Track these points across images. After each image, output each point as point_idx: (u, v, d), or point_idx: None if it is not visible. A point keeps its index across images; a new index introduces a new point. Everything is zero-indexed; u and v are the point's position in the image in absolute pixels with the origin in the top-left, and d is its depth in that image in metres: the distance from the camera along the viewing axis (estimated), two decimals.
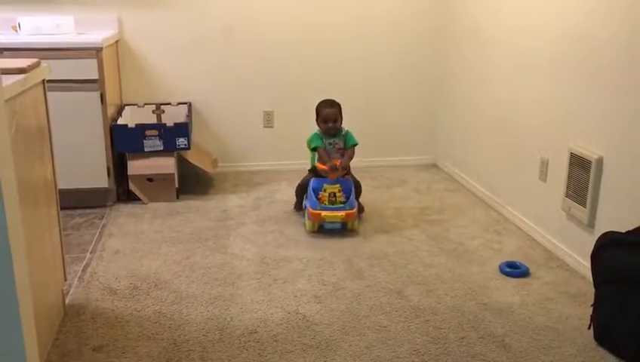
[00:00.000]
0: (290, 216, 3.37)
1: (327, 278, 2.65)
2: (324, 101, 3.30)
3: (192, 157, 3.71)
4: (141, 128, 3.48)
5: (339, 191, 3.08)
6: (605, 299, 2.13)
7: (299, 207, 3.38)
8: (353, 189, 3.13)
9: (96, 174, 3.44)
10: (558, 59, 2.86)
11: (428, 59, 4.22)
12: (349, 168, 3.24)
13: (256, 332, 2.23)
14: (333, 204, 3.05)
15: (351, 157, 3.22)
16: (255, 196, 3.71)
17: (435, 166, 4.36)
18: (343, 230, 3.09)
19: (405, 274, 2.69)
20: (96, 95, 3.34)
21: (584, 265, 2.66)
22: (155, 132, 3.48)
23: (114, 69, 3.76)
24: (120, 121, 3.56)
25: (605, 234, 2.17)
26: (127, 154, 3.52)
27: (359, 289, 2.55)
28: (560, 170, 2.84)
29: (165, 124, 3.50)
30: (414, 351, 2.13)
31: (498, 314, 2.37)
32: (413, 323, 2.30)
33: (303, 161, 4.16)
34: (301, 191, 3.33)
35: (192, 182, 3.87)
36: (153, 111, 3.92)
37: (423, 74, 4.24)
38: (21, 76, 1.85)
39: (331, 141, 3.25)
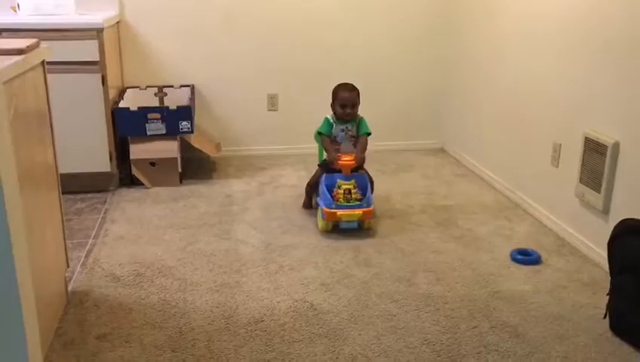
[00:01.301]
0: (295, 201, 3.31)
1: (334, 266, 2.59)
2: (342, 84, 3.08)
3: (195, 141, 3.64)
4: (143, 111, 3.41)
5: (354, 188, 2.87)
6: (621, 288, 2.08)
7: (308, 204, 3.18)
8: (369, 185, 2.94)
9: (97, 158, 3.38)
10: (572, 41, 2.78)
11: (435, 42, 4.12)
12: (364, 161, 2.99)
13: (262, 321, 2.18)
14: (348, 202, 2.83)
15: (364, 148, 3.00)
16: (259, 181, 3.65)
17: (442, 150, 4.29)
18: (359, 229, 2.90)
19: (414, 262, 2.63)
20: (97, 77, 3.26)
21: (597, 253, 2.60)
22: (158, 115, 3.41)
23: (115, 50, 3.67)
24: (122, 104, 3.49)
25: (623, 221, 2.11)
26: (129, 138, 3.45)
27: (367, 277, 2.50)
28: (573, 156, 2.77)
29: (168, 107, 3.43)
30: (425, 340, 2.08)
31: (510, 302, 2.32)
32: (423, 311, 2.25)
33: (307, 146, 4.09)
34: (312, 189, 3.13)
35: (195, 167, 3.81)
36: (155, 94, 3.84)
37: (429, 57, 4.15)
38: (20, 57, 1.78)
39: (344, 127, 3.05)
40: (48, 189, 2.13)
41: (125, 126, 3.41)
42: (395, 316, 2.22)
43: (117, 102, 3.49)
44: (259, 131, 4.12)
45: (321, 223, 2.89)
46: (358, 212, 2.81)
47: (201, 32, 3.89)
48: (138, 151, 3.46)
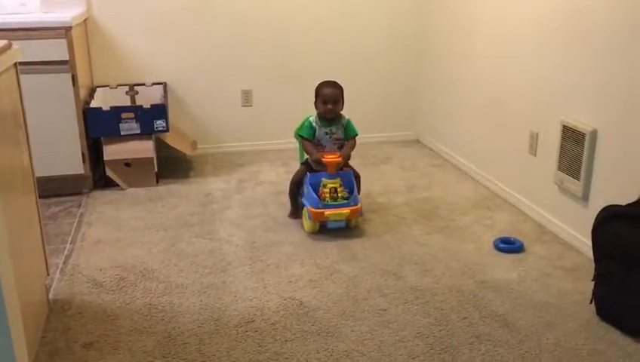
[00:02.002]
0: (276, 198, 3.28)
1: (320, 261, 2.58)
2: (325, 82, 2.98)
3: (170, 139, 3.57)
4: (116, 111, 3.32)
5: (340, 186, 2.78)
6: (607, 274, 2.11)
7: (295, 212, 2.98)
8: (355, 182, 2.87)
9: (70, 160, 3.28)
10: (547, 31, 2.81)
11: (409, 34, 4.13)
12: (349, 158, 2.93)
13: (253, 321, 2.15)
14: (335, 201, 2.76)
15: (353, 148, 2.92)
16: (238, 178, 3.60)
17: (417, 142, 4.30)
18: (347, 228, 2.83)
19: (400, 255, 2.63)
20: (67, 77, 3.17)
21: (578, 238, 2.65)
22: (132, 114, 3.33)
23: (83, 49, 3.57)
24: (93, 104, 3.39)
25: (606, 207, 2.14)
26: (102, 139, 3.37)
27: (355, 272, 2.49)
28: (551, 144, 2.80)
29: (142, 106, 3.35)
30: (418, 333, 2.08)
31: (497, 291, 2.34)
32: (414, 304, 2.25)
33: (284, 141, 4.08)
34: (297, 190, 2.97)
35: (171, 166, 3.73)
36: (127, 93, 3.76)
37: (403, 50, 4.16)
38: None
39: (328, 130, 2.92)
40: (25, 193, 2.05)
41: (98, 126, 3.32)
42: (385, 310, 2.22)
43: (88, 102, 3.39)
44: (234, 128, 4.07)
45: (307, 224, 2.81)
46: (346, 211, 2.74)
47: (172, 27, 3.81)
48: (112, 151, 3.37)
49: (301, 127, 2.96)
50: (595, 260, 2.18)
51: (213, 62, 3.91)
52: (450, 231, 2.88)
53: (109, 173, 3.40)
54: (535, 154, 2.96)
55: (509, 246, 2.67)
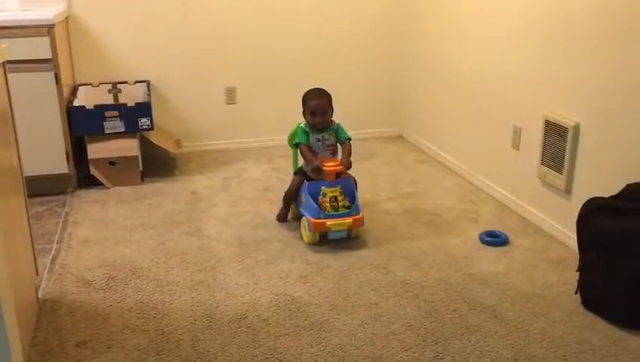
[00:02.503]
0: (262, 194, 3.29)
1: (310, 257, 2.60)
2: (312, 91, 2.86)
3: (154, 137, 3.56)
4: (100, 109, 3.30)
5: (340, 194, 2.66)
6: (592, 264, 2.16)
7: (284, 217, 2.91)
8: (356, 190, 2.77)
9: (54, 159, 3.25)
10: (529, 26, 2.86)
11: (392, 32, 4.16)
12: (351, 165, 2.79)
13: (246, 317, 2.16)
14: (336, 210, 2.64)
15: (350, 153, 2.80)
16: (223, 176, 3.60)
17: (401, 137, 4.34)
18: (348, 239, 2.71)
19: (388, 249, 2.66)
20: (49, 75, 3.14)
21: (562, 231, 2.70)
22: (116, 113, 3.31)
23: (65, 47, 3.54)
24: (75, 103, 3.37)
25: (591, 199, 2.19)
26: (85, 138, 3.34)
27: (344, 267, 2.51)
28: (534, 138, 2.86)
29: (126, 104, 3.33)
30: (409, 326, 2.11)
31: (485, 284, 2.38)
32: (404, 298, 2.29)
33: (268, 138, 4.11)
34: (291, 199, 2.86)
35: (155, 164, 3.72)
36: (109, 91, 3.74)
37: (385, 47, 4.18)
38: None
39: (320, 137, 2.81)
40: (15, 193, 2.04)
41: (81, 125, 3.29)
42: (376, 304, 2.24)
43: (71, 101, 3.36)
44: (218, 125, 4.06)
45: (307, 235, 2.69)
46: (348, 221, 2.62)
47: (154, 25, 3.79)
48: (96, 150, 3.35)
49: (295, 135, 2.86)
50: (580, 251, 2.23)
51: (196, 59, 3.90)
52: (436, 225, 2.92)
53: (93, 171, 3.37)
54: (518, 149, 3.02)
55: (494, 239, 2.72)
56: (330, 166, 2.68)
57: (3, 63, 1.98)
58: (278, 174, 3.60)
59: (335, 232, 2.65)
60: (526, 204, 2.98)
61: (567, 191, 2.66)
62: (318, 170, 2.72)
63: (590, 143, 2.53)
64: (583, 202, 2.23)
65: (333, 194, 2.66)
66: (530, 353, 1.96)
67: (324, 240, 2.69)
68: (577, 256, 2.27)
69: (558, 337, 2.04)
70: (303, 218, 2.72)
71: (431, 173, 3.64)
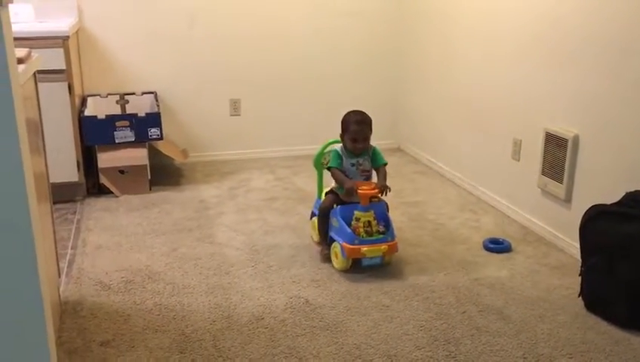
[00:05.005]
0: (269, 204, 3.37)
1: (320, 263, 2.67)
2: (353, 113, 2.70)
3: (163, 147, 3.64)
4: (111, 119, 3.38)
5: (373, 219, 2.56)
6: (594, 268, 2.27)
7: (326, 245, 2.67)
8: (389, 215, 2.66)
9: (65, 168, 3.32)
10: (528, 40, 2.99)
11: (390, 44, 4.28)
12: (389, 190, 2.63)
13: (263, 319, 2.24)
14: (370, 236, 2.54)
15: (385, 177, 2.67)
16: (229, 186, 3.68)
17: (399, 150, 4.45)
18: (381, 266, 2.60)
19: (396, 256, 2.74)
20: (63, 86, 3.22)
21: (561, 239, 2.81)
22: (127, 123, 3.38)
23: (76, 58, 3.61)
24: (85, 113, 3.44)
25: (594, 206, 2.30)
26: (96, 147, 3.41)
27: (354, 272, 2.59)
28: (534, 150, 2.97)
29: (137, 115, 3.41)
30: (421, 327, 2.20)
31: (491, 288, 2.48)
32: (414, 300, 2.37)
33: (271, 150, 4.21)
34: (326, 220, 2.68)
35: (162, 174, 3.79)
36: (117, 102, 3.81)
37: (384, 59, 4.31)
38: (22, 66, 1.77)
39: (354, 161, 2.67)
40: (44, 199, 2.10)
41: (93, 134, 3.36)
42: (388, 306, 2.33)
43: (82, 111, 3.44)
44: (222, 136, 4.15)
45: (339, 261, 2.57)
46: (383, 246, 2.52)
47: (161, 38, 3.88)
48: (106, 159, 3.42)
49: (331, 158, 2.70)
50: (583, 256, 2.34)
51: (201, 71, 4.00)
52: (440, 233, 3.01)
53: (102, 180, 3.44)
54: (519, 160, 3.13)
55: (497, 246, 2.82)
56: (365, 189, 2.55)
57: (34, 73, 2.06)
58: (283, 184, 3.69)
59: (369, 258, 2.55)
60: (526, 213, 3.09)
61: (567, 200, 2.77)
62: (353, 192, 2.58)
63: (589, 153, 2.65)
64: (582, 210, 2.34)
65: (367, 218, 2.55)
66: (538, 352, 2.06)
67: (356, 268, 2.57)
68: (578, 262, 2.38)
69: (564, 337, 2.14)
70: (335, 243, 2.59)
71: (431, 183, 3.75)
